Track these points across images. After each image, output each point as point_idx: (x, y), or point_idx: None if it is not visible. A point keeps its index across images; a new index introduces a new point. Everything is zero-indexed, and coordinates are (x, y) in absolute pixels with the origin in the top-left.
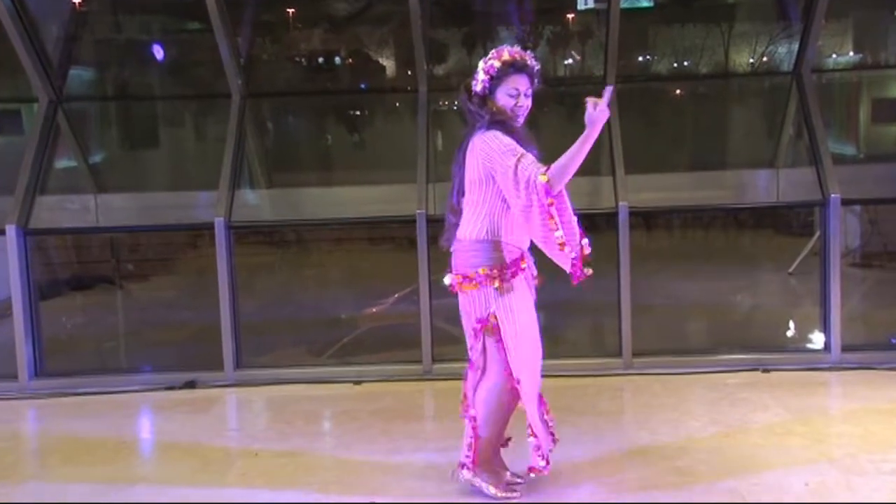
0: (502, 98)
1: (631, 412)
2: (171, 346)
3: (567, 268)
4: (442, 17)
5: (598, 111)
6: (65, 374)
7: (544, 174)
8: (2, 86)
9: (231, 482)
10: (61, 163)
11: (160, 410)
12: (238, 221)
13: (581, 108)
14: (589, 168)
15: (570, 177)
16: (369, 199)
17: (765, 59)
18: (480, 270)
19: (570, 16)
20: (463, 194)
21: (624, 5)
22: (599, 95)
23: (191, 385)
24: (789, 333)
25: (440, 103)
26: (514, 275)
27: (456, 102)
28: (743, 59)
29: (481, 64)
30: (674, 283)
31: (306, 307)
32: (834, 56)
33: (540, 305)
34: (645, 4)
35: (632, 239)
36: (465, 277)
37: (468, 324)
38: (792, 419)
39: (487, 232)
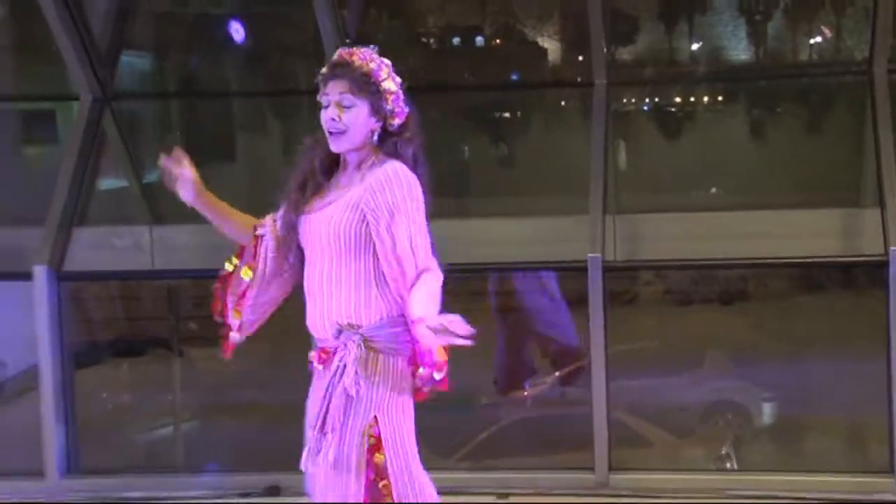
0: None
1: None
2: (248, 437)
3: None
4: None
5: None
6: (104, 471)
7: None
8: (32, 78)
9: None
10: (107, 182)
11: None
12: None
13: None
14: (840, 197)
15: None
16: (520, 237)
17: None
18: None
19: None
20: None
21: None
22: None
23: (274, 491)
24: None
25: (625, 102)
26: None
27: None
28: None
29: None
30: None
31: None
32: None
33: (764, 393)
34: None
35: None
36: None
37: None
38: None
39: None
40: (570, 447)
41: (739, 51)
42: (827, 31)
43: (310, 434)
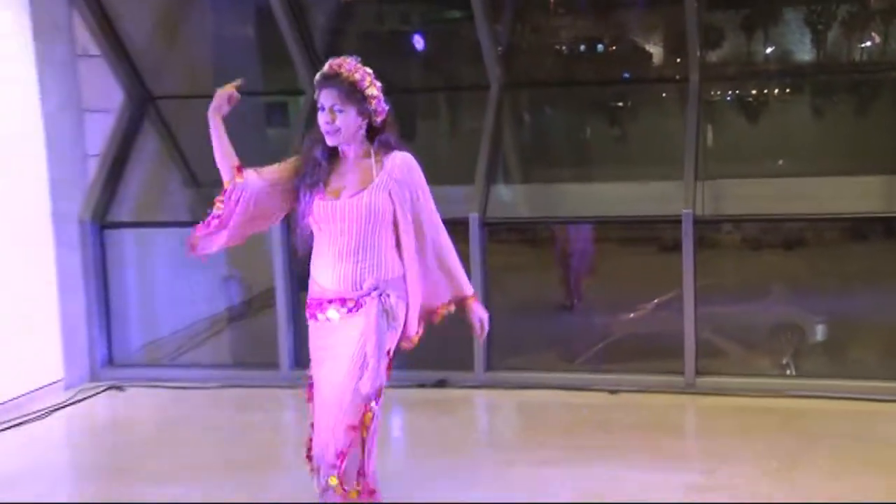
0: None
1: None
2: (425, 344)
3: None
4: None
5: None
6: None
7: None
8: (271, 78)
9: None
10: None
11: (411, 408)
12: (493, 218)
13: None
14: (883, 167)
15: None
16: (630, 197)
17: None
18: None
19: None
20: None
21: None
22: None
23: (441, 384)
24: None
25: (713, 93)
26: (310, 315)
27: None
28: None
29: None
30: None
31: (552, 311)
32: None
33: (817, 317)
34: None
35: None
36: None
37: None
38: None
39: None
40: (665, 356)
41: (804, 53)
42: (876, 37)
43: (323, 368)
